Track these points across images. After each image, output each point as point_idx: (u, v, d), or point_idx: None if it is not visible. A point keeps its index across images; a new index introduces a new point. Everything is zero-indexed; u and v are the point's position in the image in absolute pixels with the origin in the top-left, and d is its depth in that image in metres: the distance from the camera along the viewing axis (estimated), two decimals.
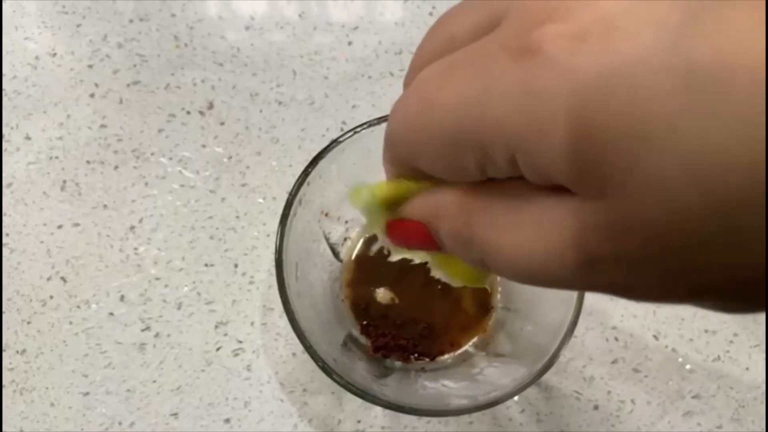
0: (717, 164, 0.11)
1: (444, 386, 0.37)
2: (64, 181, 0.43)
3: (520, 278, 0.16)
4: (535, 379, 0.33)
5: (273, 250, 0.42)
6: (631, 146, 0.12)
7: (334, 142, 0.35)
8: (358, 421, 0.40)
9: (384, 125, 0.35)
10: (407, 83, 0.19)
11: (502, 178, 0.15)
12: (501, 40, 0.14)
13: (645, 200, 0.12)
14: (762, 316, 0.42)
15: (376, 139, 0.35)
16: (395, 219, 0.20)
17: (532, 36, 0.13)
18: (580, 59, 0.12)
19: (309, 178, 0.35)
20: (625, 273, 0.13)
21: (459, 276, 0.22)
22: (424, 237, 0.18)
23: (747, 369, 0.42)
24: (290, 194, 0.34)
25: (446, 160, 0.15)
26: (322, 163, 0.35)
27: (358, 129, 0.35)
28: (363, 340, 0.40)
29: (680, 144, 0.11)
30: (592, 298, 0.42)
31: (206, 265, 0.42)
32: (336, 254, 0.41)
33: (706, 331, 0.42)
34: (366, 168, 0.39)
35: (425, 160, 0.16)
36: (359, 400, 0.35)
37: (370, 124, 0.35)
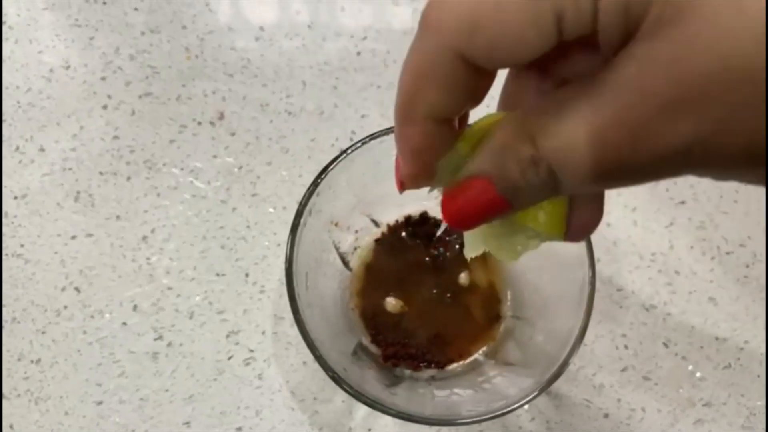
0: None
1: (454, 395, 0.37)
2: (78, 192, 0.44)
3: (593, 174, 0.16)
4: (545, 387, 0.33)
5: (283, 260, 0.42)
6: None
7: (344, 153, 0.35)
8: (369, 430, 0.40)
9: (392, 135, 0.35)
10: None
11: (571, 37, 0.16)
12: None
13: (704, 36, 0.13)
14: None
15: (385, 149, 0.36)
16: (450, 190, 0.19)
17: None
18: None
19: (319, 189, 0.35)
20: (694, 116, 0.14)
21: (541, 224, 0.21)
22: (488, 194, 0.17)
23: (758, 376, 0.41)
24: (300, 204, 0.34)
25: (522, 17, 0.15)
26: (332, 174, 0.35)
27: (367, 140, 0.35)
28: (373, 348, 0.40)
29: None
30: (601, 306, 0.42)
31: (218, 274, 0.43)
32: (346, 263, 0.41)
33: (717, 338, 0.42)
34: (375, 178, 0.39)
35: (491, 30, 0.16)
36: (369, 408, 0.35)
37: (380, 134, 0.35)
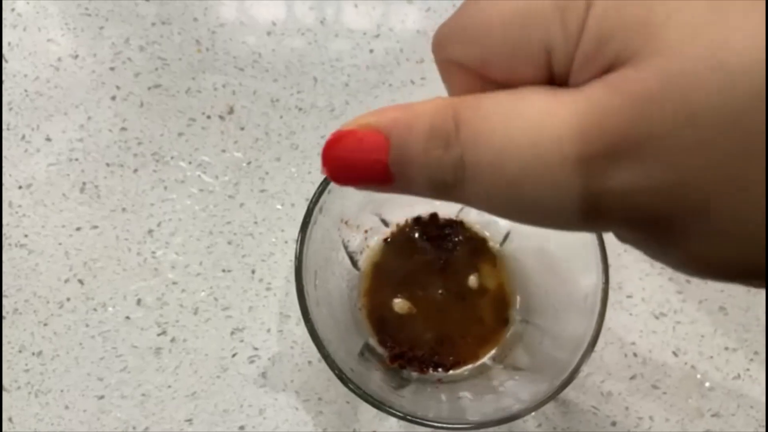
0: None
1: (461, 399, 0.37)
2: (84, 183, 0.43)
3: (502, 188, 0.13)
4: (555, 394, 0.32)
5: (291, 257, 0.42)
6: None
7: None
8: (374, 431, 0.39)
9: None
10: None
11: (558, 70, 0.14)
12: None
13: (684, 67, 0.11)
14: None
15: None
16: (341, 131, 0.16)
17: None
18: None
19: (330, 187, 0.34)
20: (660, 166, 0.12)
21: None
22: (377, 155, 0.15)
23: None
24: (311, 202, 0.34)
25: (515, 34, 0.14)
26: None
27: None
28: (380, 349, 0.39)
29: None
30: (610, 313, 0.42)
31: (224, 270, 0.42)
32: (354, 263, 0.41)
33: (726, 348, 0.42)
34: None
35: (484, 41, 0.14)
36: (374, 410, 0.34)
37: None
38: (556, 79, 0.14)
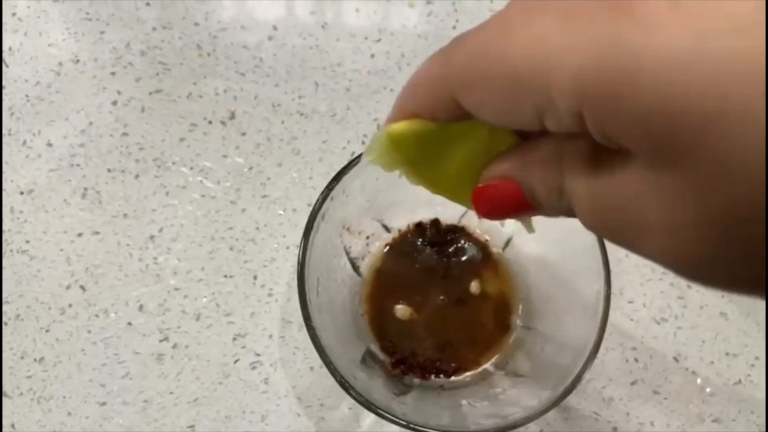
0: None
1: (463, 406, 0.37)
2: (85, 189, 0.43)
3: (601, 232, 0.16)
4: (557, 402, 0.33)
5: (292, 263, 0.42)
6: (708, 123, 0.11)
7: (359, 158, 0.34)
8: None
9: None
10: None
11: (554, 131, 0.15)
12: None
13: (720, 175, 0.12)
14: None
15: None
16: (481, 186, 0.19)
17: None
18: (673, 26, 0.12)
19: (333, 193, 0.34)
20: (711, 244, 0.13)
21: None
22: (516, 196, 0.18)
23: None
24: (314, 209, 0.34)
25: (506, 100, 0.15)
26: (346, 179, 0.35)
27: None
28: (382, 356, 0.39)
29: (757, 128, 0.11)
30: (612, 318, 0.42)
31: (225, 276, 0.42)
32: (356, 269, 0.41)
33: (727, 354, 0.42)
34: (388, 183, 0.39)
35: (480, 95, 0.16)
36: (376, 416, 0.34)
37: None
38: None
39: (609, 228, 0.15)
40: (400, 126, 0.19)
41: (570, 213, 0.17)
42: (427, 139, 0.19)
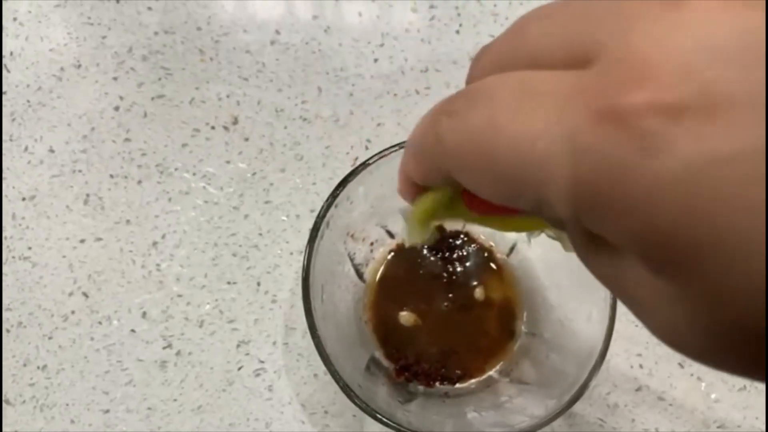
0: None
1: (468, 413, 0.37)
2: (88, 195, 0.43)
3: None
4: (564, 410, 0.32)
5: (296, 269, 0.42)
6: (703, 248, 0.11)
7: (363, 165, 0.34)
8: None
9: None
10: (470, 79, 0.17)
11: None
12: (586, 93, 0.12)
13: (717, 299, 0.11)
14: None
15: None
16: (469, 196, 0.18)
17: (621, 101, 0.12)
18: (670, 145, 0.11)
19: (337, 200, 0.34)
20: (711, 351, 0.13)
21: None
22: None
23: None
24: (318, 216, 0.34)
25: (500, 193, 0.15)
26: (351, 186, 0.34)
27: (386, 152, 0.34)
28: (386, 363, 0.39)
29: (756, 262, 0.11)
30: (616, 324, 0.42)
31: (229, 282, 0.42)
32: (360, 275, 0.40)
33: None
34: (393, 189, 0.38)
35: (474, 182, 0.15)
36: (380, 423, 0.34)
37: (400, 146, 0.35)
38: None
39: (607, 286, 0.15)
40: (420, 207, 0.19)
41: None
42: (453, 200, 0.19)
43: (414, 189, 0.19)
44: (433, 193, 0.18)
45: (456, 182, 0.16)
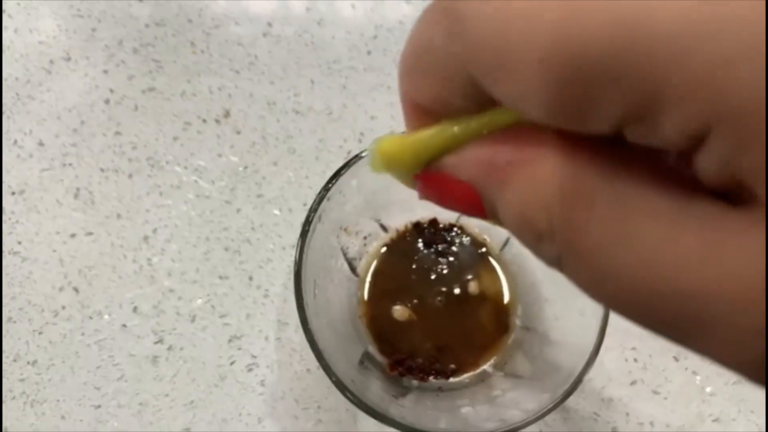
0: None
1: (462, 407, 0.36)
2: (78, 189, 0.43)
3: (638, 312, 0.12)
4: (558, 404, 0.32)
5: (288, 263, 0.41)
6: None
7: (356, 158, 0.34)
8: None
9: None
10: None
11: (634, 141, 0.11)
12: None
13: None
14: None
15: None
16: (432, 173, 0.14)
17: None
18: None
19: (330, 194, 0.34)
20: None
21: None
22: (472, 202, 0.13)
23: None
24: (310, 210, 0.33)
25: (567, 97, 0.10)
26: (343, 179, 0.34)
27: None
28: (380, 357, 0.39)
29: None
30: (611, 317, 0.41)
31: (220, 277, 0.41)
32: (353, 269, 0.40)
33: None
34: (387, 182, 0.38)
35: (521, 85, 0.11)
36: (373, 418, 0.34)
37: None
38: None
39: (656, 317, 0.11)
40: (390, 143, 0.15)
41: (551, 261, 0.13)
42: (439, 146, 0.14)
43: (424, 119, 0.14)
44: (446, 125, 0.14)
45: (472, 102, 0.12)
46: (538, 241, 0.12)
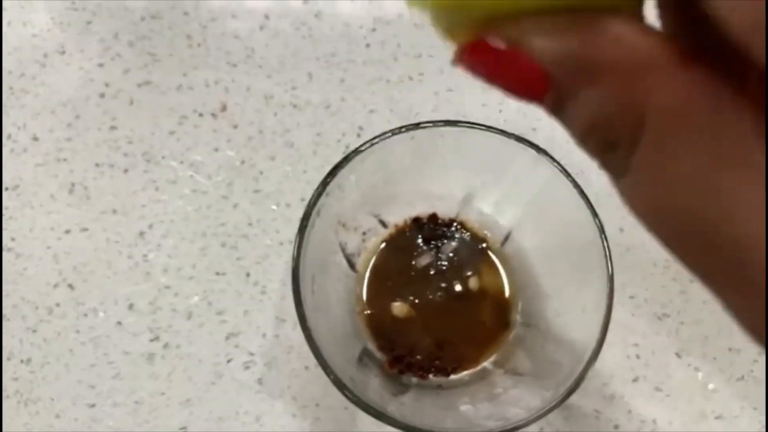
0: None
1: (462, 405, 0.36)
2: (72, 184, 0.42)
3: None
4: (559, 403, 0.32)
5: (286, 259, 0.41)
6: None
7: (355, 152, 0.33)
8: None
9: (403, 135, 0.34)
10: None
11: None
12: None
13: None
14: None
15: (396, 148, 0.34)
16: (499, 44, 0.12)
17: None
18: None
19: (328, 189, 0.33)
20: None
21: None
22: (538, 88, 0.12)
23: None
24: (308, 205, 0.33)
25: None
26: (342, 174, 0.34)
27: (376, 140, 0.34)
28: (379, 355, 0.38)
29: None
30: (613, 314, 0.41)
31: (217, 273, 0.41)
32: (352, 265, 0.40)
33: (731, 349, 0.41)
34: (385, 177, 0.38)
35: None
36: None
37: (393, 132, 0.34)
38: None
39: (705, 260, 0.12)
40: None
41: (602, 150, 0.12)
42: (530, 8, 0.12)
43: None
44: None
45: None
46: (610, 149, 0.12)
